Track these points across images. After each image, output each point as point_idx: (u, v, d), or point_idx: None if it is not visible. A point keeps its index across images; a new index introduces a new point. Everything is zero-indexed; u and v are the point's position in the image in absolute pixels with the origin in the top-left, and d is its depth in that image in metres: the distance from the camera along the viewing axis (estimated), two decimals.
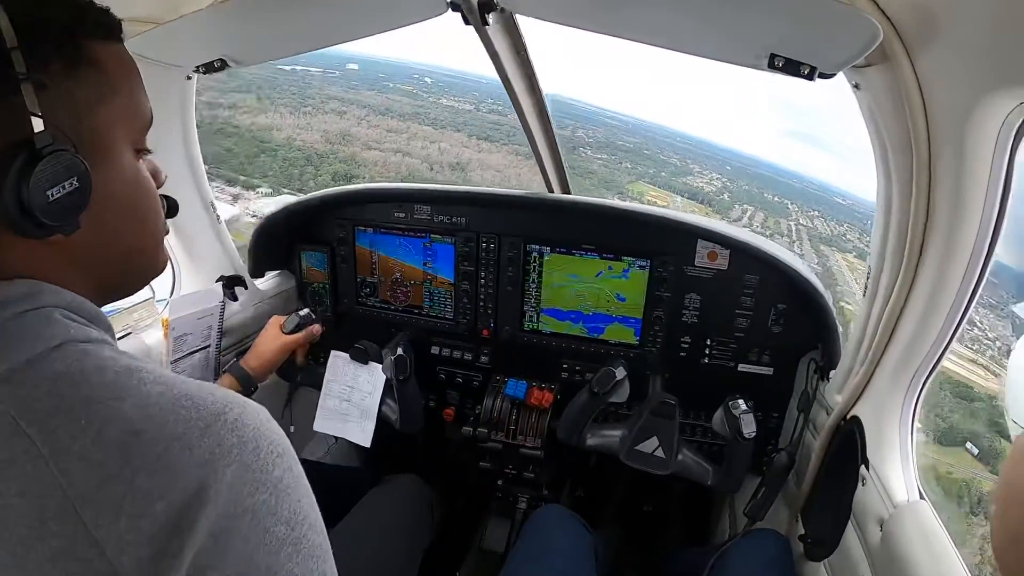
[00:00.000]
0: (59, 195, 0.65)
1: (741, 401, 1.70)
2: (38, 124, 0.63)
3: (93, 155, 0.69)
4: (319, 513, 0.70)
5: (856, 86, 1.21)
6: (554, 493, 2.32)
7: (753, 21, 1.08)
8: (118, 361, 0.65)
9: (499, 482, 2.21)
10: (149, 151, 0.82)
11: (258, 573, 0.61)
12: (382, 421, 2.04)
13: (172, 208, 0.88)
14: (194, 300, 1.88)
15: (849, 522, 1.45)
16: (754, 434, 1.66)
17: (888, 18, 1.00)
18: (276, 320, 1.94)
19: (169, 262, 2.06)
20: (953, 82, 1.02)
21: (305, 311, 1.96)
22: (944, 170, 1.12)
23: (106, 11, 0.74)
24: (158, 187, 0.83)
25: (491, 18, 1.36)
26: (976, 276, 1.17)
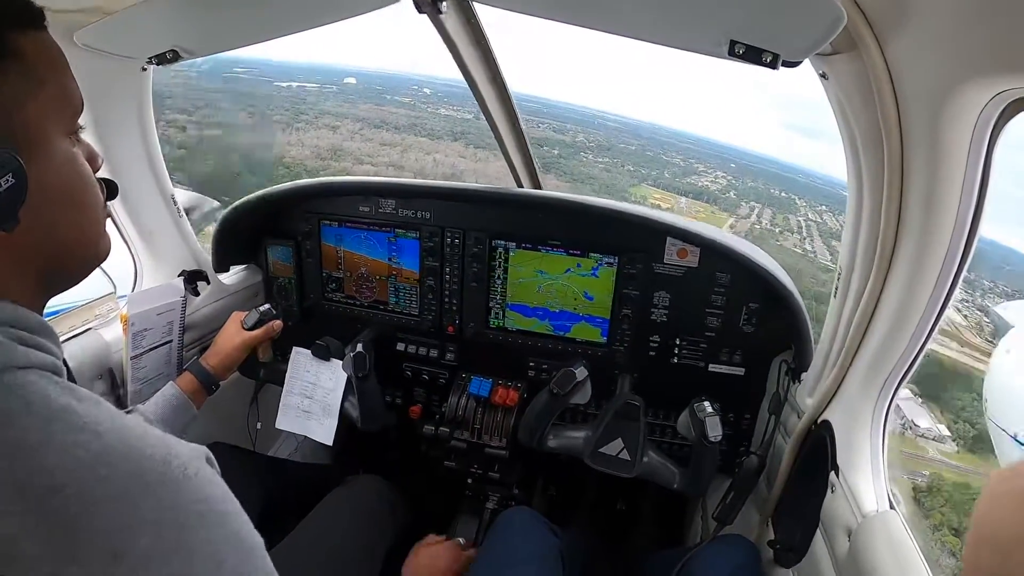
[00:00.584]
0: None
1: (707, 403, 1.62)
2: None
3: (27, 149, 0.67)
4: (244, 537, 0.67)
5: (823, 75, 1.12)
6: (525, 492, 2.25)
7: (712, 6, 0.98)
8: (52, 401, 0.62)
9: (468, 480, 2.13)
10: (82, 128, 0.78)
11: None
12: (346, 419, 1.98)
13: (112, 191, 0.85)
14: (154, 295, 1.82)
15: (818, 530, 1.37)
16: (720, 437, 1.57)
17: (855, 1, 0.91)
18: (236, 316, 1.88)
19: (132, 257, 1.99)
20: (926, 71, 0.93)
21: (266, 306, 1.89)
22: (917, 166, 1.04)
23: (25, 1, 0.71)
24: (95, 171, 0.80)
25: (444, 6, 1.26)
26: (951, 277, 1.09)
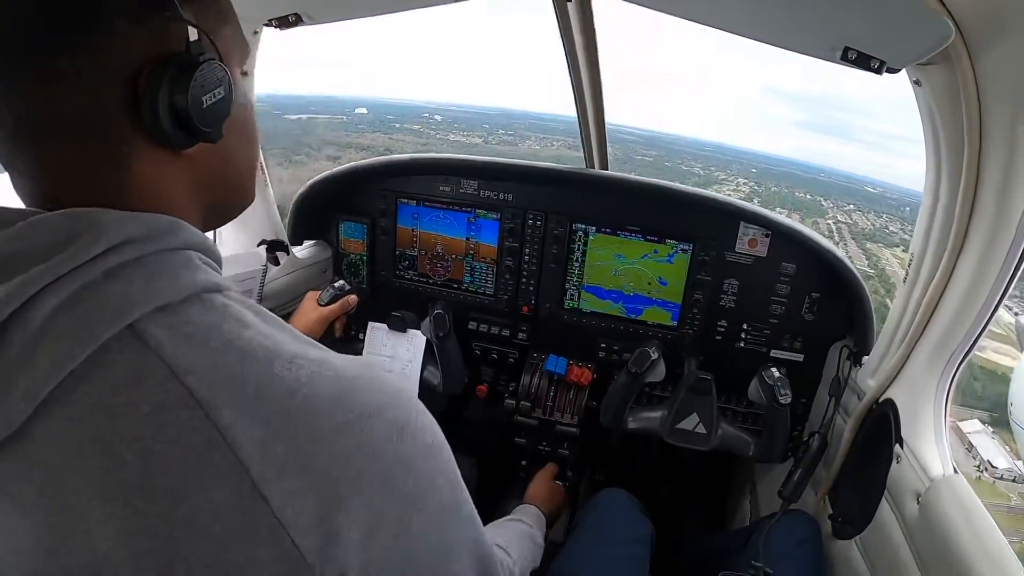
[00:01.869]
0: (212, 102, 0.71)
1: (774, 369, 1.90)
2: (181, 37, 0.69)
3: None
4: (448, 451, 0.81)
5: (916, 82, 1.36)
6: (576, 475, 2.46)
7: (832, 15, 1.23)
8: (256, 323, 0.69)
9: (523, 462, 2.38)
10: (246, 73, 0.87)
11: (425, 506, 0.73)
12: (424, 390, 2.19)
13: None
14: (238, 261, 2.02)
15: (883, 499, 1.59)
16: (789, 399, 1.84)
17: (954, 19, 1.15)
18: (312, 295, 2.10)
19: None
20: (1009, 86, 1.17)
21: (340, 283, 2.11)
22: (993, 167, 1.28)
23: None
24: None
25: None
26: (1014, 266, 1.33)
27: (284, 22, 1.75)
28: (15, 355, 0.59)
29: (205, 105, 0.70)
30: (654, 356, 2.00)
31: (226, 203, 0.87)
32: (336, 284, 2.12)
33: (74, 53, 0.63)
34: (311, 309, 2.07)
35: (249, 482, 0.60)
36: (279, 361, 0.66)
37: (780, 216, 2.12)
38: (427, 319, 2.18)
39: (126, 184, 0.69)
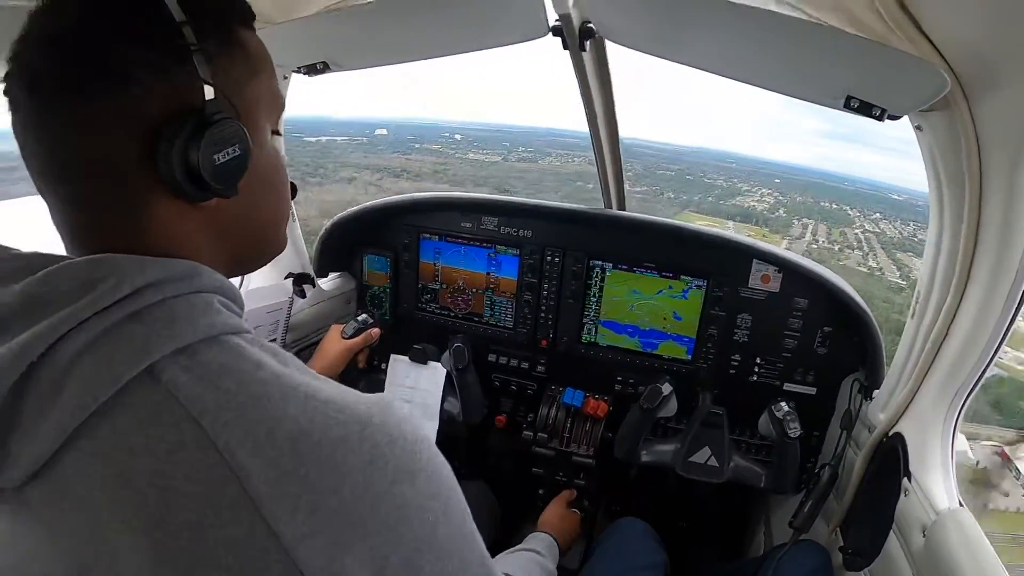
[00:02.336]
0: (224, 159, 0.73)
1: (784, 403, 1.96)
2: (200, 94, 0.71)
3: (246, 128, 0.76)
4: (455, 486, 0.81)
5: (918, 127, 1.43)
6: (593, 505, 2.50)
7: (835, 67, 1.31)
8: (270, 363, 0.71)
9: (540, 491, 2.42)
10: (280, 133, 0.90)
11: (430, 548, 0.73)
12: (445, 421, 2.25)
13: (294, 190, 0.95)
14: (266, 293, 2.09)
15: (891, 531, 1.61)
16: (799, 432, 1.89)
17: (952, 69, 1.22)
18: (336, 328, 2.18)
19: None
20: (1006, 130, 1.23)
21: (363, 316, 2.19)
22: (993, 208, 1.33)
23: (246, 1, 0.82)
24: None
25: (588, 44, 1.63)
26: (1016, 304, 1.37)
27: (312, 69, 1.84)
28: (44, 391, 0.63)
29: (218, 163, 0.72)
30: (665, 392, 2.06)
31: (251, 252, 0.89)
32: (359, 318, 2.20)
33: (98, 100, 0.68)
34: (336, 341, 2.15)
35: (262, 520, 0.62)
36: (292, 402, 0.68)
37: (791, 254, 2.17)
38: (447, 352, 2.25)
39: (147, 230, 0.73)
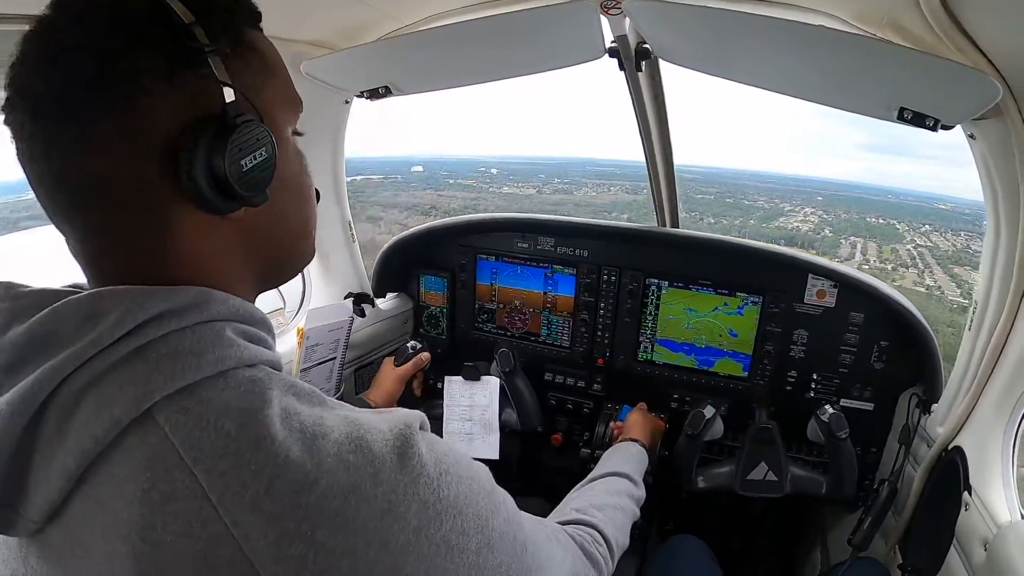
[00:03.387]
0: (252, 164, 0.69)
1: (828, 406, 1.95)
2: (217, 99, 0.67)
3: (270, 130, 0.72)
4: (494, 497, 0.77)
5: (971, 136, 1.46)
6: (646, 524, 2.52)
7: (887, 80, 1.35)
8: (280, 399, 0.66)
9: None
10: (301, 134, 0.85)
11: None
12: (506, 433, 2.30)
13: (317, 195, 0.89)
14: (328, 313, 2.14)
15: (952, 546, 1.60)
16: (847, 433, 1.89)
17: (1003, 77, 1.25)
18: (388, 360, 2.24)
19: (301, 275, 2.33)
20: None
21: (412, 343, 2.25)
22: None
23: (254, 3, 0.78)
24: None
25: (644, 65, 1.70)
26: None
27: (374, 94, 1.94)
28: (51, 434, 0.61)
29: (245, 168, 0.68)
30: (708, 416, 2.07)
31: (280, 262, 0.84)
32: (409, 344, 2.26)
33: (107, 117, 0.63)
34: (389, 371, 2.20)
35: None
36: (298, 445, 0.62)
37: (846, 267, 2.19)
38: (494, 361, 2.30)
39: (170, 251, 0.69)
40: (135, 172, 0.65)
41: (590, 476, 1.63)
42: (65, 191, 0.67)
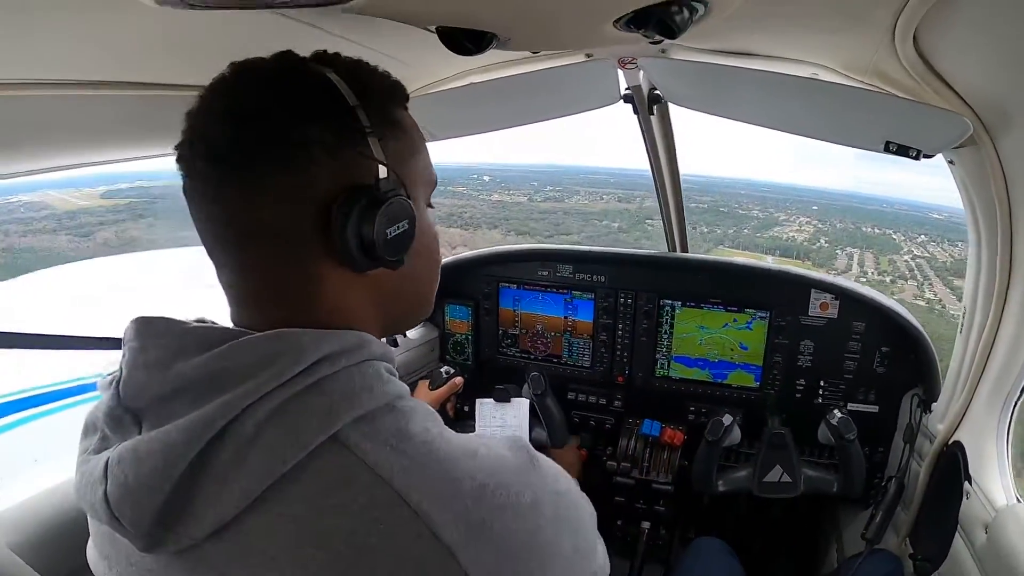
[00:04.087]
0: (395, 233, 0.77)
1: (836, 411, 2.11)
2: (370, 172, 0.77)
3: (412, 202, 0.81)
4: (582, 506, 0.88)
5: (951, 162, 1.64)
6: (669, 532, 2.66)
7: (874, 119, 1.55)
8: (432, 424, 0.75)
9: (619, 522, 2.60)
10: (433, 207, 0.94)
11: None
12: (537, 448, 2.45)
13: None
14: None
15: (956, 533, 1.74)
16: (855, 435, 2.05)
17: (975, 113, 1.44)
18: (423, 383, 2.34)
19: None
20: None
21: (445, 368, 2.36)
22: (1022, 225, 1.53)
23: (403, 85, 0.88)
24: None
25: (656, 108, 1.91)
26: None
27: None
28: (228, 459, 0.67)
29: (389, 236, 0.76)
30: (726, 423, 2.22)
31: (405, 316, 0.95)
32: (443, 369, 2.36)
33: (279, 174, 0.72)
34: (425, 395, 2.29)
35: (456, 565, 0.67)
36: (464, 460, 0.72)
37: (846, 281, 2.39)
38: (526, 384, 2.44)
39: (316, 298, 0.78)
40: (296, 224, 0.74)
41: None
42: (234, 231, 0.75)
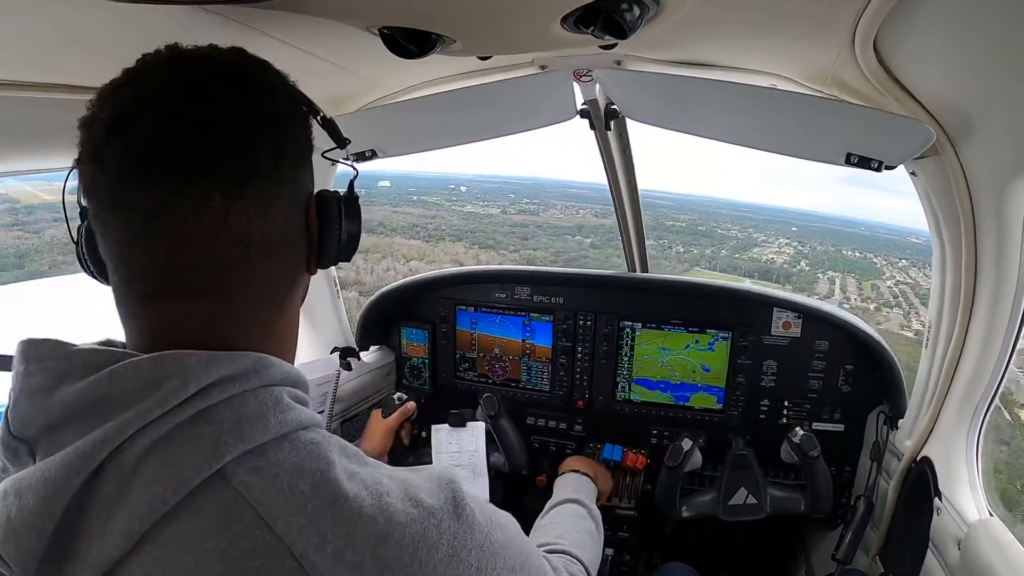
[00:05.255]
0: (351, 232, 0.87)
1: (798, 429, 2.07)
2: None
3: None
4: (524, 537, 0.90)
5: (913, 173, 1.64)
6: (634, 558, 2.59)
7: (834, 130, 1.53)
8: (339, 460, 0.72)
9: None
10: None
11: None
12: (494, 476, 2.36)
13: None
14: (315, 367, 2.23)
15: (928, 550, 1.72)
16: (818, 452, 2.01)
17: (937, 121, 1.43)
18: (376, 412, 2.30)
19: None
20: (989, 168, 1.43)
21: (397, 394, 2.32)
22: (987, 236, 1.52)
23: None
24: None
25: (612, 123, 1.86)
26: (1020, 319, 1.52)
27: (361, 156, 2.02)
28: (111, 493, 0.63)
29: (355, 236, 0.91)
30: (686, 447, 2.17)
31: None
32: (395, 396, 2.33)
33: (286, 185, 0.77)
34: (378, 424, 2.27)
35: None
36: (367, 502, 0.68)
37: (809, 299, 2.37)
38: (479, 407, 2.37)
39: (290, 300, 0.84)
40: (289, 231, 0.79)
41: (543, 512, 1.79)
42: (243, 244, 0.73)
